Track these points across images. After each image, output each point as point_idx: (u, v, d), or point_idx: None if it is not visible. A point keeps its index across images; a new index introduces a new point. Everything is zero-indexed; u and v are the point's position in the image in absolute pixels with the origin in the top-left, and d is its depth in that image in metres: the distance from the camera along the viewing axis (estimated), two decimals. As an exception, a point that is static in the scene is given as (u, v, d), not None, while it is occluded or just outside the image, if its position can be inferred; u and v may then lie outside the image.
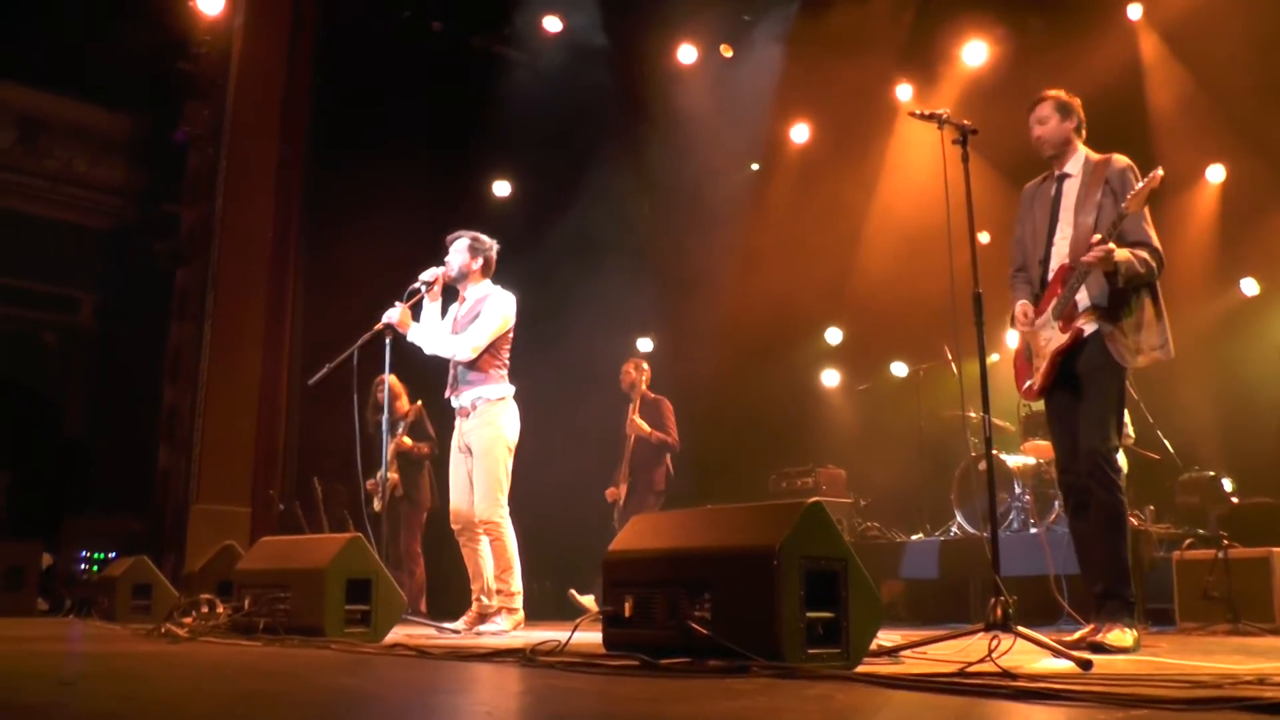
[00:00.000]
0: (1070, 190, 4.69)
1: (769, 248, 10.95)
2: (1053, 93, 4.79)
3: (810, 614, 3.13)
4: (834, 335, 11.62)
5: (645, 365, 8.64)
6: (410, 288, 6.21)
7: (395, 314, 6.10)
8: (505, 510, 5.97)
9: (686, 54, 11.09)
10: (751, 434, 10.75)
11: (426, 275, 6.21)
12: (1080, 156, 4.74)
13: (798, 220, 10.92)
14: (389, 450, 8.16)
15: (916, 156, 9.91)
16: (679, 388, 11.17)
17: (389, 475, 8.12)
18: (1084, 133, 4.80)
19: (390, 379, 8.33)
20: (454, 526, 6.11)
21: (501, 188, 11.42)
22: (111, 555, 9.65)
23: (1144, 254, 4.40)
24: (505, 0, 10.81)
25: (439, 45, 10.82)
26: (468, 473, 6.05)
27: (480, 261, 6.22)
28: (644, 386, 8.52)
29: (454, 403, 6.16)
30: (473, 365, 6.06)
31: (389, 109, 9.98)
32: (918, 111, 4.63)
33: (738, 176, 11.83)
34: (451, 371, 6.17)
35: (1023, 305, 4.77)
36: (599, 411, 9.58)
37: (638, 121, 11.11)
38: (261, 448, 9.46)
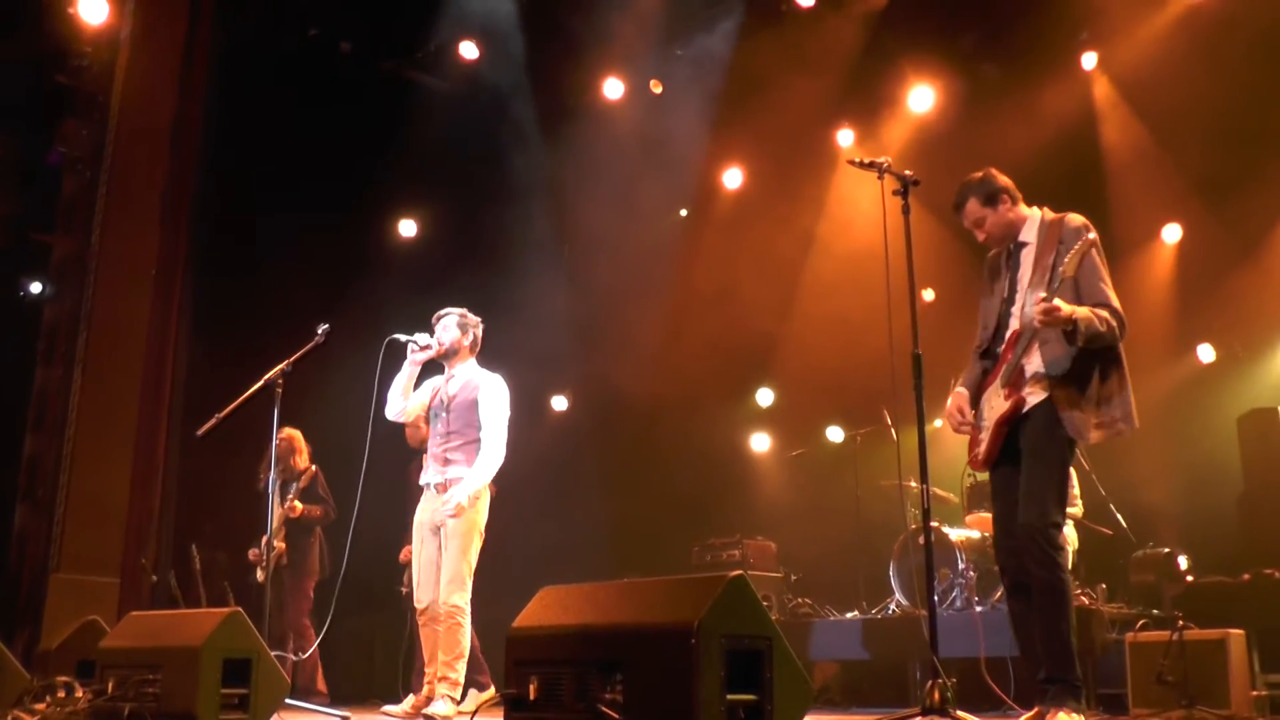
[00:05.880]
0: (1027, 258, 4.77)
1: (696, 301, 11.03)
2: (964, 190, 4.81)
3: (731, 697, 3.15)
4: (765, 396, 11.71)
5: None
6: (398, 340, 6.34)
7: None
8: (469, 597, 6.11)
9: (613, 88, 11.18)
10: (673, 502, 10.75)
11: (420, 338, 6.39)
12: (1034, 221, 4.81)
13: (728, 271, 11.02)
14: (275, 516, 8.08)
15: (856, 207, 10.09)
16: (596, 450, 11.18)
17: (275, 544, 8.03)
18: (1018, 196, 4.84)
19: (294, 433, 8.33)
20: (418, 606, 6.23)
21: (408, 227, 11.39)
22: (-51, 631, 9.33)
23: (1104, 313, 4.46)
24: (419, 23, 10.83)
25: (347, 68, 10.81)
26: (436, 551, 6.18)
27: (470, 339, 6.50)
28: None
29: (427, 479, 6.33)
30: (463, 447, 6.27)
31: (290, 135, 9.93)
32: (858, 160, 4.74)
33: (664, 223, 11.92)
34: (435, 449, 6.34)
35: (957, 398, 4.84)
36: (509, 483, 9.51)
37: (558, 159, 11.16)
38: (135, 509, 9.24)
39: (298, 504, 8.09)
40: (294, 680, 7.98)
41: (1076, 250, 4.36)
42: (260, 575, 8.08)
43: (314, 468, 8.28)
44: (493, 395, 6.35)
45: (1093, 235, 4.40)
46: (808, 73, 10.15)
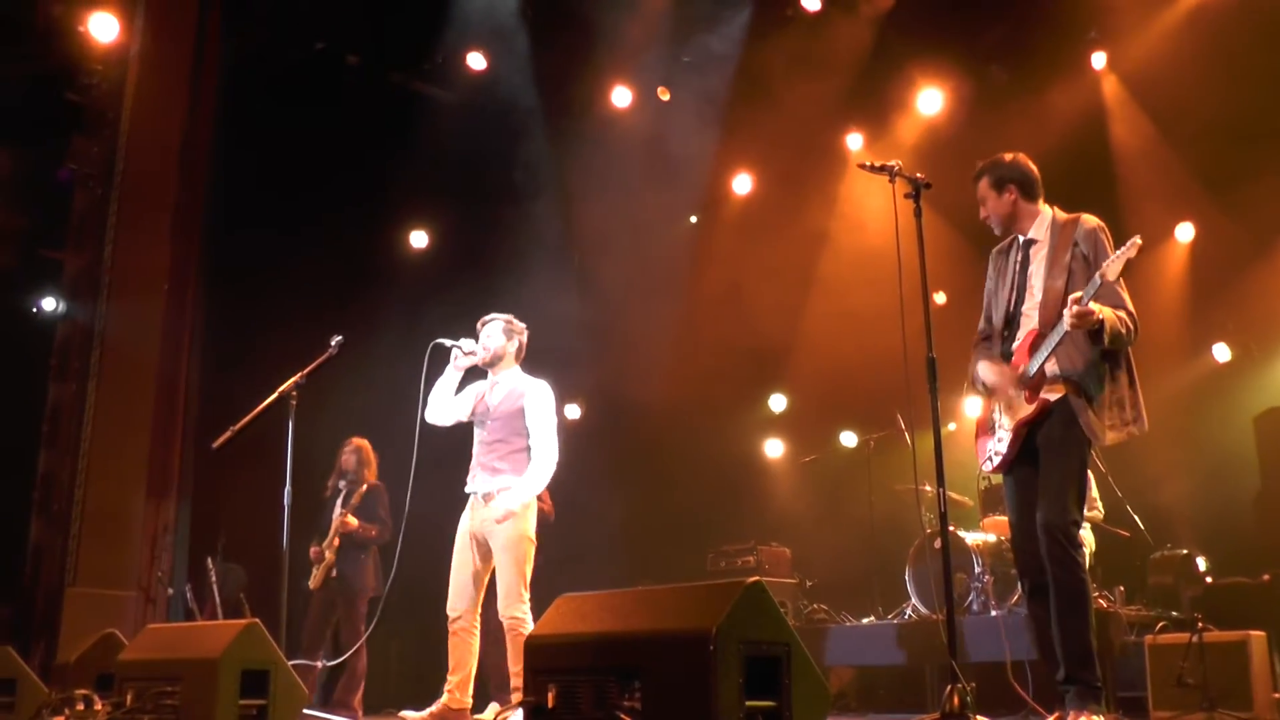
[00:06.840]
0: (1038, 256, 4.77)
1: (708, 307, 11.03)
2: (983, 165, 4.87)
3: (750, 703, 3.15)
4: (778, 402, 11.71)
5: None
6: (443, 345, 6.33)
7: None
8: (528, 605, 6.06)
9: (621, 97, 11.18)
10: (688, 509, 10.76)
11: (465, 344, 6.39)
12: (1045, 219, 4.81)
13: (739, 277, 11.02)
14: (333, 525, 8.12)
15: (867, 211, 10.10)
16: (609, 457, 11.18)
17: (326, 554, 8.07)
18: (1034, 191, 4.85)
19: (364, 443, 8.35)
20: (450, 614, 6.17)
21: (419, 238, 11.40)
22: (-36, 645, 9.34)
23: (1123, 315, 4.48)
24: (426, 34, 10.84)
25: (354, 80, 10.83)
26: (474, 559, 6.15)
27: (515, 345, 6.52)
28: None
29: (473, 488, 6.30)
30: (509, 455, 6.26)
31: (299, 148, 9.96)
32: (868, 163, 4.74)
33: (675, 230, 11.90)
34: (481, 458, 6.32)
35: (993, 361, 4.83)
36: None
37: (567, 168, 11.16)
38: (150, 523, 9.28)
39: (351, 519, 8.08)
40: (327, 692, 8.03)
41: (1121, 255, 4.33)
42: (315, 579, 8.12)
43: (370, 484, 8.26)
44: (540, 402, 6.35)
45: (1139, 241, 4.36)
46: (815, 76, 10.15)
